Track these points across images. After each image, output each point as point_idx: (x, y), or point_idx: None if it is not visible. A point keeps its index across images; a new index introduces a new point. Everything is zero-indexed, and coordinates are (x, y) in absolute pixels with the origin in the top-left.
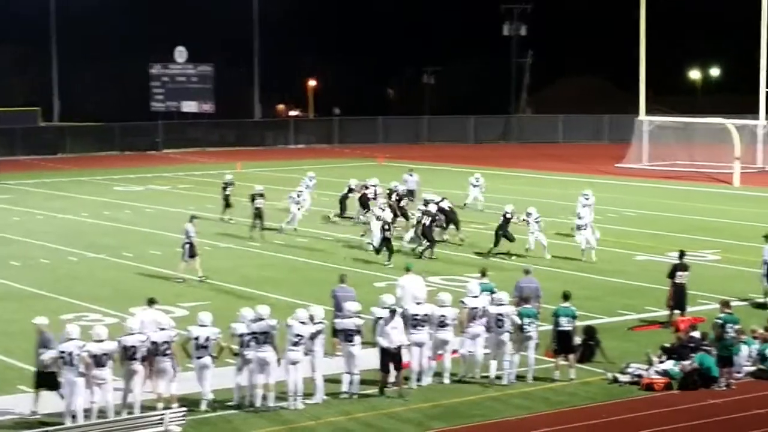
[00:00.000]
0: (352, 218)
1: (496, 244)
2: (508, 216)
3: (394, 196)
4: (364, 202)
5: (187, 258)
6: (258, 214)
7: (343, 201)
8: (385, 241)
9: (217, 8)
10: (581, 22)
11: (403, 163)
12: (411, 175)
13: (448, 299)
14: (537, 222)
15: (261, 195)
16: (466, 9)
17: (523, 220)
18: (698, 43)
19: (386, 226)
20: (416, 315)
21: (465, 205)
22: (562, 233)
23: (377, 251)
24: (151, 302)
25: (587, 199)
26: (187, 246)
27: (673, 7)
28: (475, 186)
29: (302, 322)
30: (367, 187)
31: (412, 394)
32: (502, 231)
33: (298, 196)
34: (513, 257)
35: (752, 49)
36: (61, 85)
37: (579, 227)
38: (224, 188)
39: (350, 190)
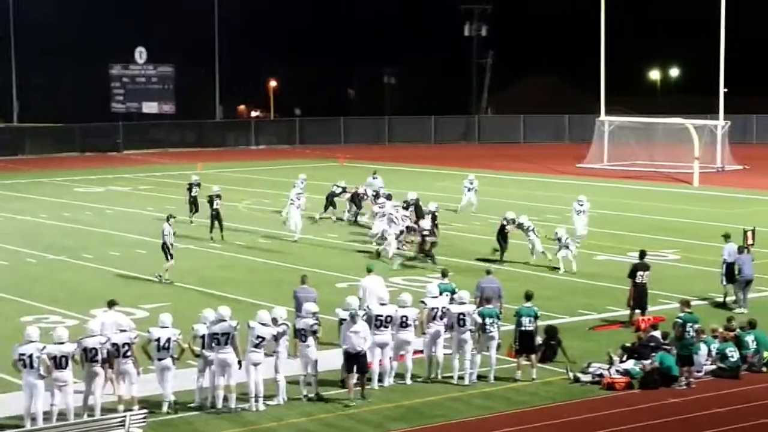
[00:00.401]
0: (341, 219)
1: (502, 249)
2: (504, 223)
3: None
4: (357, 202)
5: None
6: (216, 216)
7: (330, 199)
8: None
9: (177, 9)
10: (542, 22)
11: (364, 164)
12: (375, 178)
13: (409, 300)
14: (531, 230)
15: (218, 196)
16: (427, 9)
17: (518, 226)
18: (658, 44)
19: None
20: (379, 315)
21: (459, 209)
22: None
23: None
24: (112, 304)
25: (581, 205)
26: (166, 246)
27: (633, 8)
28: (469, 189)
29: (264, 324)
30: (357, 188)
31: (373, 395)
32: (501, 236)
33: (298, 199)
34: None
35: (711, 50)
36: (20, 87)
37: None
38: (189, 189)
39: (343, 190)
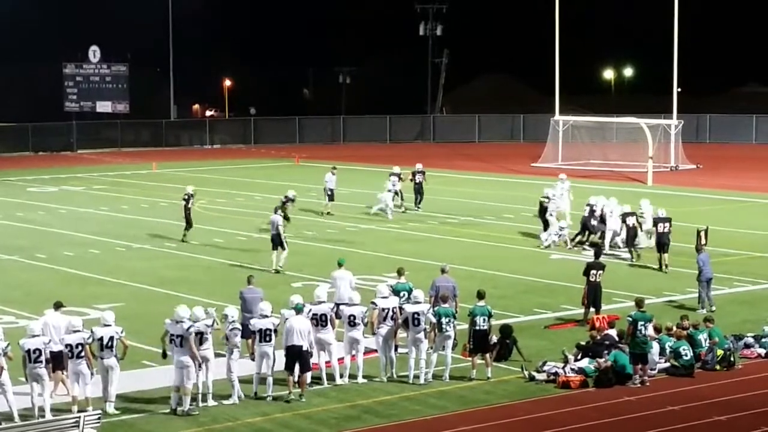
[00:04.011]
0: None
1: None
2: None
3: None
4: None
5: (278, 249)
6: (188, 216)
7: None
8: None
9: (131, 8)
10: (497, 22)
11: (319, 163)
12: (333, 174)
13: (356, 298)
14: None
15: (192, 196)
16: (382, 9)
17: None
18: (612, 44)
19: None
20: (315, 314)
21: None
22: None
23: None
24: (58, 306)
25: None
26: (277, 237)
27: (587, 8)
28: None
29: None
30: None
31: (328, 395)
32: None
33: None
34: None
35: (665, 50)
36: None
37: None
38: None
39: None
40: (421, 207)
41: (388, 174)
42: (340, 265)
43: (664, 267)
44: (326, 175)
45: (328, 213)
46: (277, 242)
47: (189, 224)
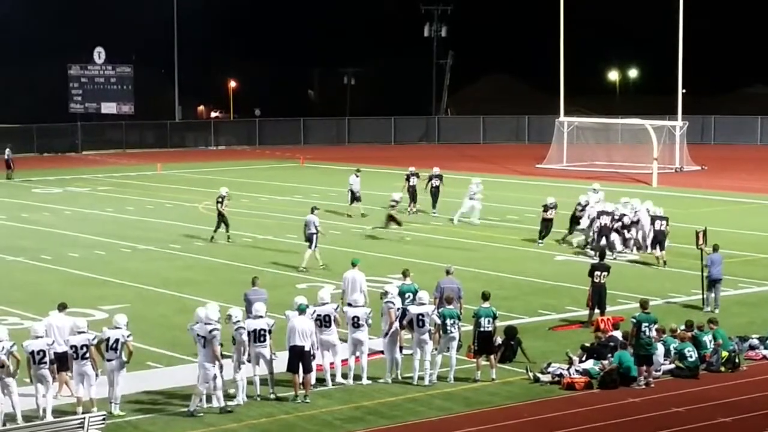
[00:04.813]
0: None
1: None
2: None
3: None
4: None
5: (313, 247)
6: (222, 217)
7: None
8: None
9: (135, 9)
10: (502, 23)
11: (323, 165)
12: (357, 176)
13: (360, 299)
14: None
15: (225, 197)
16: (387, 10)
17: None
18: (617, 45)
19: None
20: (319, 315)
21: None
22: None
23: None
24: (62, 307)
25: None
26: (314, 237)
27: (592, 9)
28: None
29: (203, 323)
30: (418, 176)
31: (333, 396)
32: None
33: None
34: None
35: (670, 51)
36: None
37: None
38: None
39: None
40: (437, 211)
41: (419, 175)
42: (353, 265)
43: (662, 263)
44: (350, 177)
45: (362, 214)
46: (312, 241)
47: (226, 225)
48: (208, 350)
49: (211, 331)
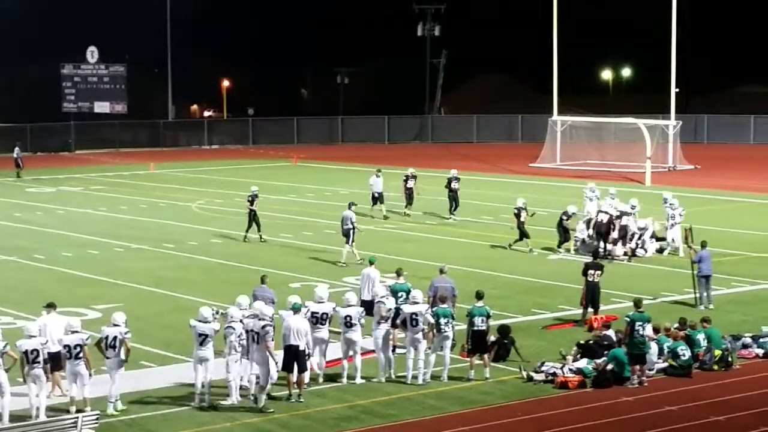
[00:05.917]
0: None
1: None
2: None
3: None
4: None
5: (351, 243)
6: (254, 216)
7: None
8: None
9: (129, 8)
10: (495, 22)
11: (317, 164)
12: (378, 176)
13: (353, 299)
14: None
15: (256, 196)
16: (380, 9)
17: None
18: (610, 44)
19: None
20: (315, 313)
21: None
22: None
23: None
24: (50, 307)
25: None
26: (351, 232)
27: (585, 8)
28: (591, 200)
29: (203, 321)
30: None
31: (327, 395)
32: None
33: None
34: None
35: (663, 50)
36: None
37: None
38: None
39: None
40: (455, 214)
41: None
42: (371, 263)
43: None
44: (371, 178)
45: (384, 216)
46: (349, 237)
47: (257, 225)
48: (261, 346)
49: (264, 327)
